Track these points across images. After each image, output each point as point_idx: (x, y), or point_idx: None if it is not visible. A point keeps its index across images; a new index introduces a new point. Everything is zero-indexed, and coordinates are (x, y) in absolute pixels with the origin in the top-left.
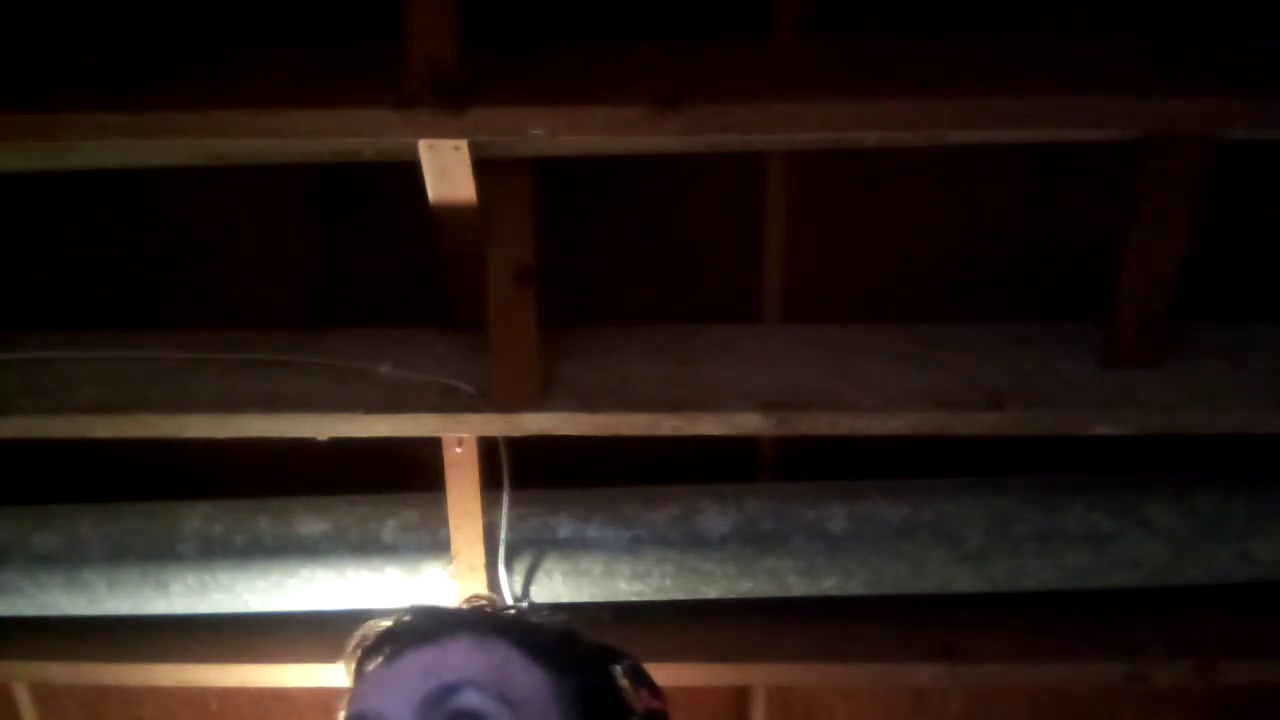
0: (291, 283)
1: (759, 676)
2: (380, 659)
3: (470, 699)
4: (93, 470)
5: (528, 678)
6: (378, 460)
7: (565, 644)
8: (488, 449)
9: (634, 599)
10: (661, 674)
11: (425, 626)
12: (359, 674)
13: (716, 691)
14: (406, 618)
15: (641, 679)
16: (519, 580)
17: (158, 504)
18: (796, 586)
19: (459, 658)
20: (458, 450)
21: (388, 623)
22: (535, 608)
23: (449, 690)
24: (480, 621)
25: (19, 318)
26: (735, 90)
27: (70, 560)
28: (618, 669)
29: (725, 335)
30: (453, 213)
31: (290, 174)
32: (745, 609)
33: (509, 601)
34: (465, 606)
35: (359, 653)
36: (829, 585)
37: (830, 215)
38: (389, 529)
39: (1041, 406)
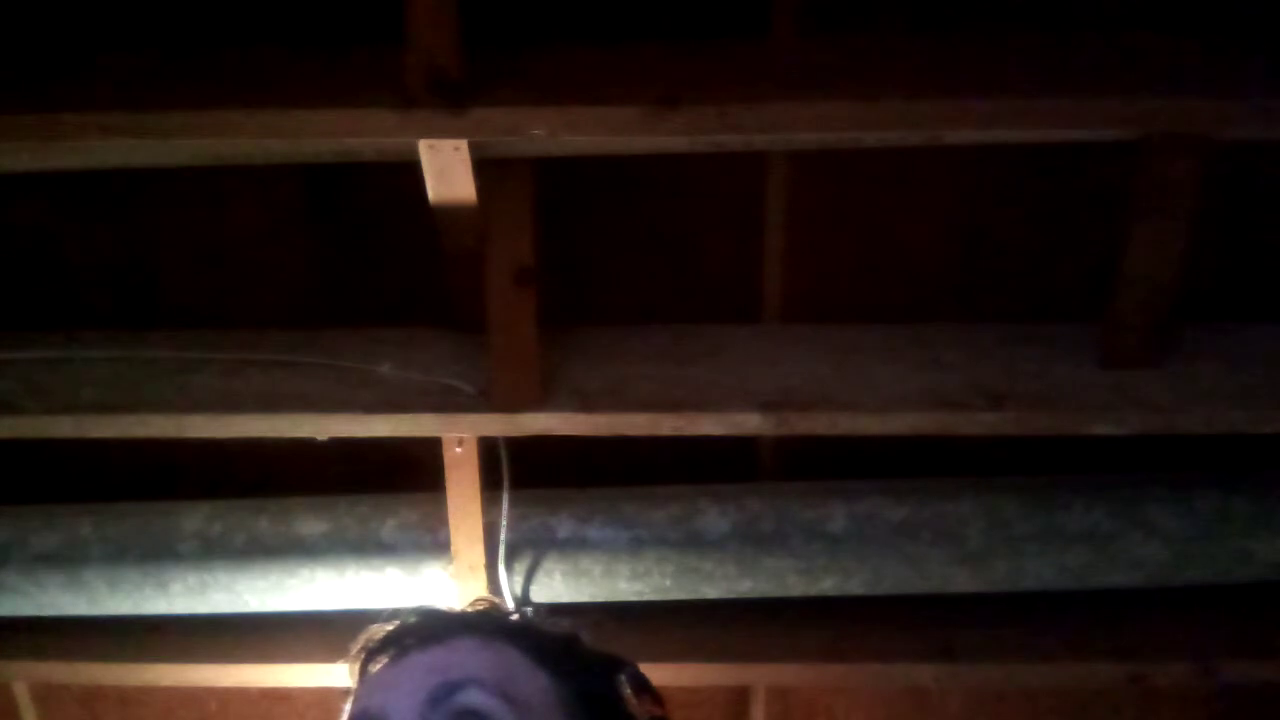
0: (291, 283)
1: (759, 676)
2: (385, 659)
3: (474, 697)
4: (93, 470)
5: (532, 680)
6: (378, 460)
7: (570, 650)
8: (488, 449)
9: (634, 599)
10: (661, 674)
11: (431, 628)
12: (363, 675)
13: (716, 691)
14: (412, 619)
15: (644, 687)
16: (519, 580)
17: (158, 504)
18: (796, 586)
19: (464, 657)
20: (458, 450)
21: (392, 625)
22: (540, 613)
23: (453, 687)
24: (486, 624)
25: (19, 318)
26: (735, 90)
27: (70, 560)
28: (621, 677)
29: (725, 335)
30: (453, 213)
31: (290, 174)
32: (745, 609)
33: (510, 601)
34: (471, 609)
35: (363, 654)
36: (829, 585)
37: (830, 215)
38: (389, 529)
39: (1041, 406)
